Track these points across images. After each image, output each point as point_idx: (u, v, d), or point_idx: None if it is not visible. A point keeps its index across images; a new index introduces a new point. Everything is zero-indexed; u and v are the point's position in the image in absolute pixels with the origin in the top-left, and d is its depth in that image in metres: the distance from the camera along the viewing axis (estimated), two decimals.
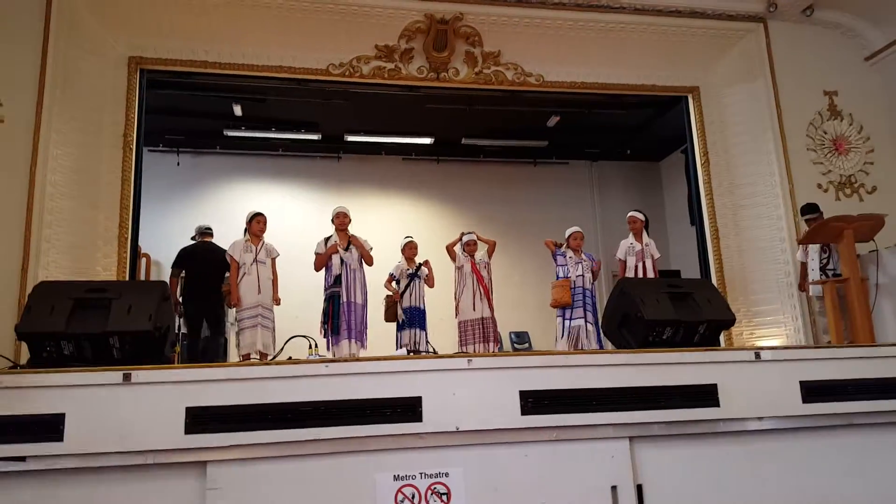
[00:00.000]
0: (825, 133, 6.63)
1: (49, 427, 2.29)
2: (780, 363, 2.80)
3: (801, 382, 2.74)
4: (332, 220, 5.97)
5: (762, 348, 2.85)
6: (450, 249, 6.48)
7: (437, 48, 6.27)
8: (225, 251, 5.85)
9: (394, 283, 6.41)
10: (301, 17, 5.96)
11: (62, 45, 5.35)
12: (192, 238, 6.57)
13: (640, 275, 5.95)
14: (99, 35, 5.68)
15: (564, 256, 6.25)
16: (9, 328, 3.86)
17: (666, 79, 6.83)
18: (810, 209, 5.90)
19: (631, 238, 6.20)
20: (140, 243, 5.97)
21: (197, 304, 6.21)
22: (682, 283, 3.51)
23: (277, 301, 5.71)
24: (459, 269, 6.45)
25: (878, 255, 5.13)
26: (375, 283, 6.21)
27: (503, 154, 10.39)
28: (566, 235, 6.35)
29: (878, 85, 6.84)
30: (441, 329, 6.78)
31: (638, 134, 9.70)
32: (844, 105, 6.74)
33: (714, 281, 6.36)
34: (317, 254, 5.84)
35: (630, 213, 6.31)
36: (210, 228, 6.58)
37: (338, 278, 5.73)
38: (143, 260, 7.92)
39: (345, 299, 5.69)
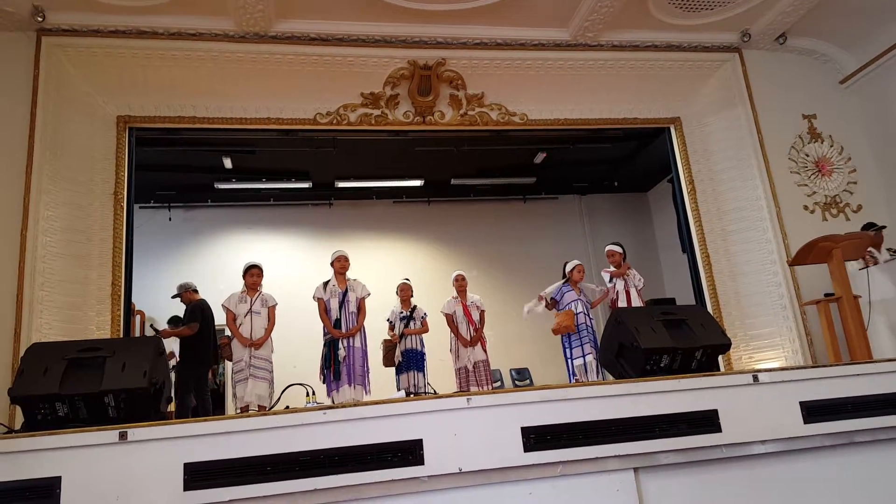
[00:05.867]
0: (807, 155, 6.75)
1: (45, 491, 2.24)
2: (779, 385, 2.79)
3: (801, 403, 2.73)
4: (332, 264, 5.98)
5: (760, 371, 2.84)
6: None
7: (421, 93, 6.40)
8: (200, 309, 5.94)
9: (393, 329, 6.40)
10: (286, 69, 6.09)
11: (51, 106, 5.43)
12: (176, 296, 6.54)
13: (625, 304, 5.98)
14: (87, 95, 5.77)
15: (570, 291, 6.22)
16: (2, 392, 3.81)
17: (647, 111, 6.98)
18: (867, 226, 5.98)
19: (613, 268, 6.25)
20: (133, 300, 5.95)
21: (194, 365, 6.19)
22: (675, 310, 3.52)
23: (258, 345, 5.51)
24: (451, 314, 6.42)
25: (868, 272, 5.17)
26: (373, 329, 6.19)
27: (493, 192, 10.50)
28: (568, 269, 6.33)
29: (854, 106, 7.01)
30: (441, 371, 6.74)
31: (624, 166, 9.86)
32: (823, 127, 6.89)
33: (709, 306, 6.37)
34: (317, 299, 5.83)
35: (607, 248, 6.36)
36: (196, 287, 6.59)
37: (337, 322, 5.72)
38: (138, 317, 7.89)
39: (344, 344, 5.66)
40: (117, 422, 2.61)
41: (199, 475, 2.33)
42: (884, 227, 6.00)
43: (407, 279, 6.71)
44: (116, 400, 2.70)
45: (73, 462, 2.30)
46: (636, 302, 6.00)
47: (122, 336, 5.38)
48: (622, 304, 5.99)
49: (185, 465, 2.33)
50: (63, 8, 5.43)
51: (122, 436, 2.34)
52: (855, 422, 2.77)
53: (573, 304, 6.11)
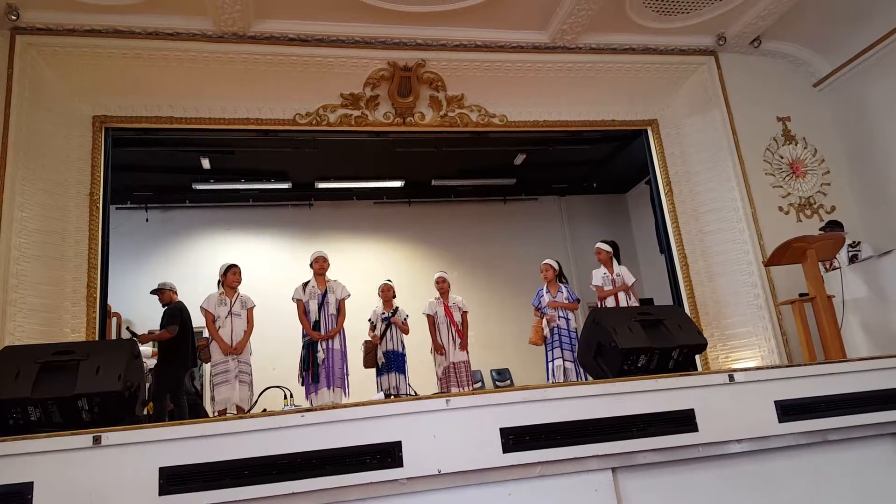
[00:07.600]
0: (781, 157, 6.86)
1: (17, 498, 2.21)
2: (754, 384, 2.83)
3: (776, 402, 2.78)
4: (311, 265, 5.95)
5: (735, 370, 2.88)
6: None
7: (401, 94, 6.39)
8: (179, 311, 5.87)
9: (374, 330, 6.36)
10: (265, 69, 6.05)
11: (25, 106, 5.34)
12: (155, 291, 6.45)
13: (616, 303, 6.01)
14: (62, 95, 5.69)
15: (546, 293, 6.27)
16: None
17: (625, 113, 7.04)
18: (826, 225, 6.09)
19: (603, 269, 6.27)
20: (110, 302, 5.86)
21: (172, 368, 6.11)
22: (652, 310, 3.56)
23: (239, 349, 5.47)
24: (433, 315, 6.40)
25: (842, 272, 5.27)
26: (354, 330, 6.16)
27: (473, 193, 10.52)
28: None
29: (827, 109, 7.13)
30: (422, 372, 6.72)
31: (603, 167, 9.93)
32: (797, 130, 7.00)
33: (686, 306, 6.44)
34: (296, 300, 5.79)
35: (596, 245, 6.39)
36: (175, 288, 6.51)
37: (315, 324, 5.68)
38: (114, 319, 7.78)
39: (323, 346, 5.62)
40: (91, 426, 2.57)
41: (174, 479, 2.30)
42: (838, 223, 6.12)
43: (389, 280, 6.69)
44: (90, 404, 2.67)
45: (46, 467, 2.26)
46: (624, 302, 6.02)
47: (97, 339, 5.30)
48: (610, 303, 6.02)
49: (161, 469, 2.31)
50: (38, 6, 5.33)
51: (96, 440, 2.31)
52: (828, 420, 2.82)
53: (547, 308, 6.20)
